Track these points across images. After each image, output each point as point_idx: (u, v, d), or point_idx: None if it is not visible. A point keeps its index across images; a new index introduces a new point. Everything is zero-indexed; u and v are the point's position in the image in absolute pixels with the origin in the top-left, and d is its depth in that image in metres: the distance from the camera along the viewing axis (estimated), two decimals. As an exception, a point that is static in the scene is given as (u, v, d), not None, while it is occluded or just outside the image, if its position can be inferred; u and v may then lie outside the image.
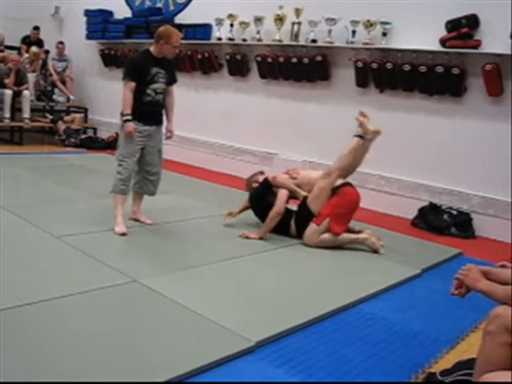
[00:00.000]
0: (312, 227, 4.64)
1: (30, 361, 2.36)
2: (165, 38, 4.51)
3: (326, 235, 4.62)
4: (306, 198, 4.76)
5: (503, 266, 2.32)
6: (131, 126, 4.47)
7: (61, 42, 10.36)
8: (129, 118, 4.48)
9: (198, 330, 2.86)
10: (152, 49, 4.61)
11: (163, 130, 4.81)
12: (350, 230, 4.80)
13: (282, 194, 4.73)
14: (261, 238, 4.68)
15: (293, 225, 4.79)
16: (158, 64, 4.56)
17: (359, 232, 4.81)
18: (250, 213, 5.09)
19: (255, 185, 5.08)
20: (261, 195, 4.93)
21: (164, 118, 4.82)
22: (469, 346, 3.07)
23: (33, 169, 6.76)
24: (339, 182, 4.72)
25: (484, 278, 2.19)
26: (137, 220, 4.90)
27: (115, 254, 3.93)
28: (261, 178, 5.08)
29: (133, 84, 4.48)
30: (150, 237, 4.51)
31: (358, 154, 4.76)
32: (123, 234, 4.43)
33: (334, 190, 4.68)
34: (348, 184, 4.79)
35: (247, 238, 4.68)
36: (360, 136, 4.74)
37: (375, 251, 4.66)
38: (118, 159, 4.64)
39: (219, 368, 2.53)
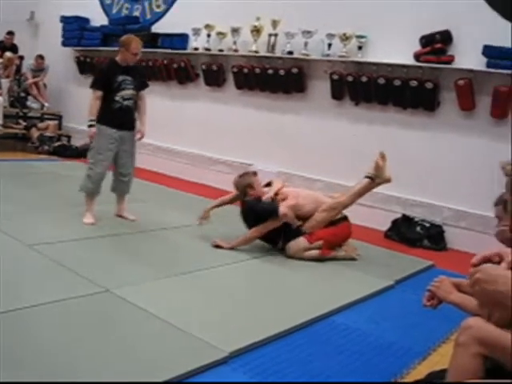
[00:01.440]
0: (302, 242, 4.64)
1: (4, 368, 2.32)
2: (125, 46, 4.83)
3: (313, 252, 4.65)
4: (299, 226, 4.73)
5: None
6: (92, 130, 4.87)
7: (41, 57, 10.20)
8: (92, 123, 4.87)
9: (171, 341, 2.84)
10: (117, 58, 4.91)
11: (135, 133, 5.08)
12: None
13: (268, 226, 4.61)
14: (231, 248, 4.64)
15: (281, 241, 4.75)
16: (124, 72, 4.86)
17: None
18: (227, 221, 5.08)
19: (251, 191, 4.74)
20: (256, 211, 4.68)
21: (138, 121, 5.10)
22: (441, 356, 3.10)
23: (4, 176, 6.65)
24: (339, 215, 4.81)
25: (456, 290, 2.21)
26: (121, 216, 5.21)
27: (88, 263, 3.88)
28: (255, 182, 4.78)
29: (99, 93, 4.85)
30: (123, 246, 4.47)
31: (362, 194, 4.84)
32: (90, 224, 4.82)
33: (334, 222, 4.75)
34: (346, 219, 4.87)
35: (217, 246, 4.64)
36: (371, 178, 4.76)
37: (351, 258, 4.80)
38: (89, 161, 5.00)
39: (192, 378, 2.51)
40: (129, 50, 4.82)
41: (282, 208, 4.54)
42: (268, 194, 4.67)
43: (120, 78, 4.85)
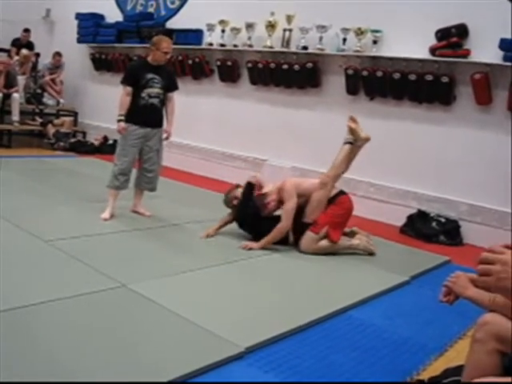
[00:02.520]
0: (309, 235, 4.64)
1: (20, 363, 2.35)
2: (155, 45, 5.00)
3: (324, 242, 4.64)
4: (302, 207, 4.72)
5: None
6: (121, 125, 4.95)
7: (58, 54, 10.26)
8: (121, 118, 4.96)
9: (188, 336, 2.85)
10: (149, 58, 5.10)
11: (162, 132, 5.21)
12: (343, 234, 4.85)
13: (289, 210, 4.61)
14: (262, 248, 4.63)
15: (291, 235, 4.76)
16: (153, 71, 5.01)
17: (351, 234, 4.90)
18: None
19: (236, 201, 4.87)
20: (248, 208, 4.75)
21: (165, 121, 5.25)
22: (457, 353, 3.09)
23: (21, 172, 6.72)
24: (334, 190, 4.77)
25: (472, 286, 2.20)
26: (136, 212, 5.30)
27: (104, 258, 3.91)
28: (239, 193, 4.88)
29: (129, 89, 4.98)
30: (138, 242, 4.50)
31: (349, 160, 4.82)
32: (105, 220, 4.90)
33: (331, 200, 4.71)
34: (342, 192, 4.84)
35: (251, 249, 4.59)
36: (350, 143, 4.79)
37: (370, 254, 4.77)
38: (115, 157, 5.12)
39: (209, 373, 2.52)
40: (159, 49, 4.98)
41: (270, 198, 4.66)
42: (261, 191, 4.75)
43: (149, 75, 4.98)
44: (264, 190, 4.78)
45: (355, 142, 4.78)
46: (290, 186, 4.68)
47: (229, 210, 4.97)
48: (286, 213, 4.62)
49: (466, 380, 2.08)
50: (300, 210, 4.71)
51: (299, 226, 4.69)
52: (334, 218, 4.67)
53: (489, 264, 1.34)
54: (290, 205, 4.62)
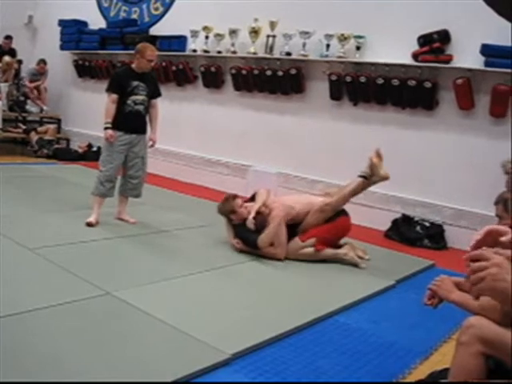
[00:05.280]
0: (296, 242, 4.63)
1: (5, 372, 2.32)
2: (140, 53, 5.03)
3: (308, 250, 4.60)
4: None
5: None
6: (109, 132, 4.96)
7: (43, 61, 10.20)
8: (108, 125, 4.97)
9: (173, 343, 2.84)
10: (133, 65, 5.14)
11: (147, 139, 5.24)
12: None
13: (283, 243, 4.56)
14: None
15: None
16: (138, 78, 5.05)
17: (340, 246, 4.80)
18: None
19: (234, 216, 4.68)
20: (242, 238, 4.65)
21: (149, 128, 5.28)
22: (442, 356, 3.10)
23: (5, 180, 6.65)
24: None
25: (457, 289, 2.22)
26: (121, 219, 5.26)
27: (89, 266, 3.88)
28: (236, 206, 4.67)
29: (114, 96, 5.00)
30: (123, 249, 4.47)
31: (355, 194, 4.75)
32: (90, 225, 4.89)
33: (330, 218, 4.66)
34: (344, 213, 4.78)
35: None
36: (365, 177, 4.66)
37: (355, 265, 4.65)
38: (99, 164, 5.11)
39: (195, 380, 2.51)
40: (144, 57, 5.00)
41: (261, 236, 4.49)
42: (250, 215, 4.55)
43: (134, 83, 5.02)
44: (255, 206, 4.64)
45: (370, 178, 4.64)
46: (277, 215, 4.54)
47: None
48: (281, 244, 4.55)
49: (451, 382, 2.09)
50: (294, 225, 4.69)
51: (290, 233, 4.66)
52: (325, 234, 4.62)
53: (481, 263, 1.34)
54: (283, 234, 4.55)
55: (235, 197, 4.79)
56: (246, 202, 4.84)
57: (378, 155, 4.64)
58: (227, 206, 4.73)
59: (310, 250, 4.61)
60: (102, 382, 2.35)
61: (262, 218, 4.58)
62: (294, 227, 4.69)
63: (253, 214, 4.55)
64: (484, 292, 1.34)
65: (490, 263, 1.32)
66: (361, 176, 4.69)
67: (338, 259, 4.69)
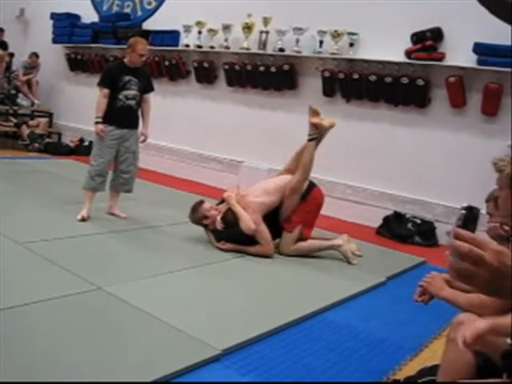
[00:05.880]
0: (286, 236, 4.64)
1: (-9, 370, 2.31)
2: (131, 47, 5.03)
3: (302, 243, 4.63)
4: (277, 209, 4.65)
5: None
6: (99, 127, 4.95)
7: (36, 55, 10.16)
8: (99, 120, 4.97)
9: (164, 338, 2.84)
10: (125, 59, 5.10)
11: (138, 133, 5.23)
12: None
13: (265, 234, 4.52)
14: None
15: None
16: (130, 73, 5.04)
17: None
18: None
19: (207, 221, 4.66)
20: (232, 238, 4.58)
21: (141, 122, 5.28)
22: (432, 352, 3.11)
23: (-5, 173, 6.62)
24: (305, 185, 4.70)
25: (447, 286, 2.22)
26: (112, 214, 5.25)
27: (80, 261, 3.87)
28: (206, 211, 4.65)
29: (106, 91, 4.99)
30: (114, 244, 4.46)
31: (314, 153, 4.76)
32: (82, 220, 4.88)
33: (303, 197, 4.65)
34: (313, 185, 4.77)
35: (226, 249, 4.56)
36: (315, 138, 4.72)
37: (348, 261, 4.64)
38: (91, 159, 5.12)
39: (185, 376, 2.51)
40: (135, 51, 5.00)
41: (249, 225, 4.46)
42: (219, 216, 4.58)
43: (126, 78, 5.01)
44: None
45: (321, 136, 4.72)
46: (253, 212, 4.50)
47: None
48: (267, 240, 4.53)
49: (441, 379, 2.10)
50: (274, 212, 4.66)
51: (276, 228, 4.66)
52: (306, 216, 4.64)
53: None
54: (264, 232, 4.51)
55: (202, 202, 4.79)
56: (216, 205, 4.81)
57: (315, 113, 4.74)
58: (196, 213, 4.72)
59: (304, 243, 4.62)
60: (92, 382, 2.34)
61: (231, 215, 4.56)
62: (274, 215, 4.65)
63: (221, 215, 4.58)
64: (478, 286, 1.27)
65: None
66: (311, 139, 4.73)
67: (334, 249, 4.70)
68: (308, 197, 4.68)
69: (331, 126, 4.75)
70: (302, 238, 4.67)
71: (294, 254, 4.63)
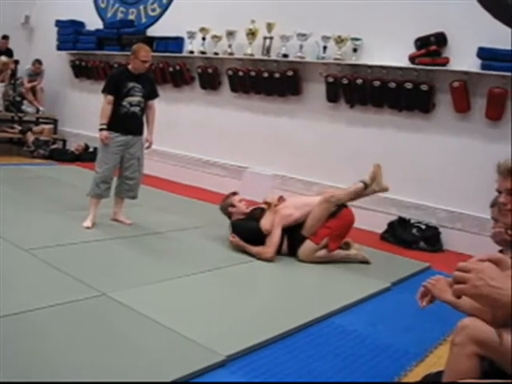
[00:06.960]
0: (309, 245, 4.67)
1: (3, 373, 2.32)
2: (134, 54, 5.03)
3: (322, 252, 4.68)
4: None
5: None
6: (104, 134, 4.96)
7: (38, 61, 10.20)
8: (103, 127, 4.97)
9: (169, 345, 2.84)
10: (129, 66, 5.14)
11: (143, 140, 5.22)
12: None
13: (275, 241, 4.61)
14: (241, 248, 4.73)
15: (285, 244, 4.76)
16: (134, 79, 5.04)
17: (345, 245, 4.92)
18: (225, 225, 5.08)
19: (232, 209, 4.94)
20: (242, 233, 4.77)
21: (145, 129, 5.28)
22: (438, 358, 3.10)
23: (1, 180, 6.64)
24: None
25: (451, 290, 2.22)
26: (117, 220, 5.26)
27: (84, 267, 3.88)
28: (236, 201, 4.96)
29: (110, 97, 5.00)
30: (119, 250, 4.47)
31: (356, 197, 4.82)
32: (87, 228, 4.88)
33: (333, 213, 4.72)
34: (344, 205, 4.83)
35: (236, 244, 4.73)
36: (365, 184, 4.77)
37: (366, 263, 4.85)
38: (95, 165, 5.13)
39: (191, 382, 2.51)
40: (138, 58, 4.99)
41: (264, 223, 4.67)
42: (247, 209, 4.87)
43: (130, 84, 5.01)
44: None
45: (370, 186, 4.77)
46: (279, 219, 4.66)
47: None
48: (273, 244, 4.61)
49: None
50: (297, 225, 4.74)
51: (297, 237, 4.70)
52: (334, 231, 4.69)
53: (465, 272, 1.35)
54: (276, 236, 4.61)
55: (234, 193, 5.10)
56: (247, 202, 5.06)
57: (379, 167, 4.81)
58: (227, 200, 5.03)
59: (324, 252, 4.68)
60: (99, 383, 2.34)
61: (258, 212, 4.81)
62: (297, 228, 4.72)
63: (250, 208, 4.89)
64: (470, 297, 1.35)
65: (472, 269, 1.33)
66: (362, 182, 4.79)
67: (348, 259, 4.82)
68: (338, 214, 4.74)
69: (383, 189, 4.84)
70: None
71: (311, 261, 4.66)
